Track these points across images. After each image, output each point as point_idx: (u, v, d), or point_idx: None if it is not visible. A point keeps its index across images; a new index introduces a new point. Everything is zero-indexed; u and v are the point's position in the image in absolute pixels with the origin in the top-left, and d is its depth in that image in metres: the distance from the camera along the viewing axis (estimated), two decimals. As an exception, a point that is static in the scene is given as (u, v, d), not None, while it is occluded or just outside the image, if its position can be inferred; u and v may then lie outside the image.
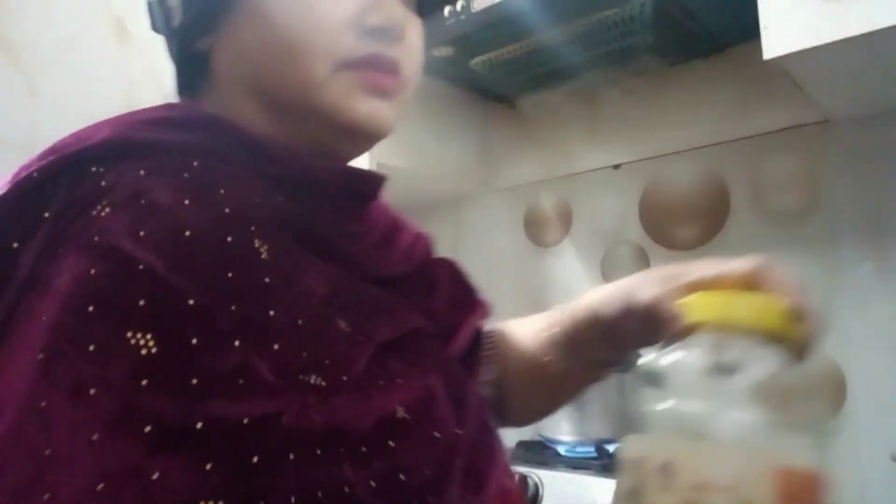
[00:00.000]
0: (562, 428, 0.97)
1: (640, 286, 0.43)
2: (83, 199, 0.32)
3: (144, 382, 0.29)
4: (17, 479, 0.28)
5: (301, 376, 0.32)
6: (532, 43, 1.05)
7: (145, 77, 1.25)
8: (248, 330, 0.32)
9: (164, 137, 0.36)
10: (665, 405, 0.33)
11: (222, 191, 0.35)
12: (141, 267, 0.30)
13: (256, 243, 0.34)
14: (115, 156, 0.34)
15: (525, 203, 1.39)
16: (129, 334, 0.29)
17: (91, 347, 0.29)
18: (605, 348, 0.49)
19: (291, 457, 0.31)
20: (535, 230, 1.37)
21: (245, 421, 0.30)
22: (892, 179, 0.95)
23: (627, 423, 0.39)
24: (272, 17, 0.39)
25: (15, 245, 0.32)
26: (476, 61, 1.13)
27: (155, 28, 0.45)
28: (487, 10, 0.94)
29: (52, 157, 0.33)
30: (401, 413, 0.34)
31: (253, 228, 0.34)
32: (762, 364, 0.35)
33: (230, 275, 0.32)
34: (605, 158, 1.27)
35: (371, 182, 0.45)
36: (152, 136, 0.36)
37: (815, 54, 0.70)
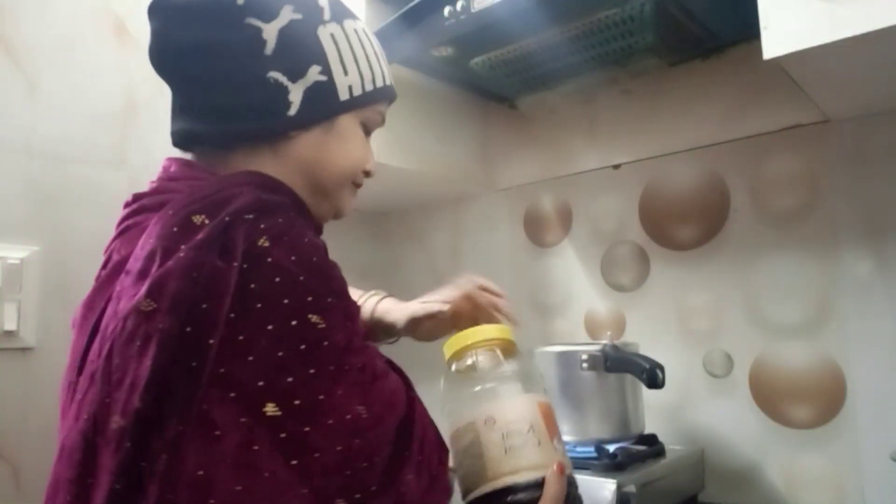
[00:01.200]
0: (561, 428, 0.97)
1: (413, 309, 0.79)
2: (249, 235, 0.46)
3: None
4: None
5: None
6: (532, 43, 1.05)
7: (145, 77, 1.25)
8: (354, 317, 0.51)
9: (275, 198, 0.52)
10: (476, 388, 0.60)
11: (310, 233, 0.51)
12: (301, 279, 0.47)
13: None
14: (257, 210, 0.49)
15: (525, 203, 1.39)
16: (311, 316, 0.46)
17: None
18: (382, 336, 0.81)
19: None
20: (535, 230, 1.37)
21: None
22: (892, 179, 0.95)
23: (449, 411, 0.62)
24: (339, 146, 0.62)
25: (219, 262, 0.45)
26: (476, 61, 1.13)
27: (257, 105, 0.58)
28: (487, 10, 0.93)
29: (223, 212, 0.47)
30: None
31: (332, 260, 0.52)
32: (515, 360, 0.63)
33: (339, 285, 0.50)
34: (604, 158, 1.27)
35: None
36: (270, 197, 0.51)
37: (815, 54, 0.70)
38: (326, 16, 0.60)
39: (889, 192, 0.95)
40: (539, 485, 0.55)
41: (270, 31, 0.57)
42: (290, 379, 0.44)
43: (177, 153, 0.64)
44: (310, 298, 0.46)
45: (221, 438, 0.42)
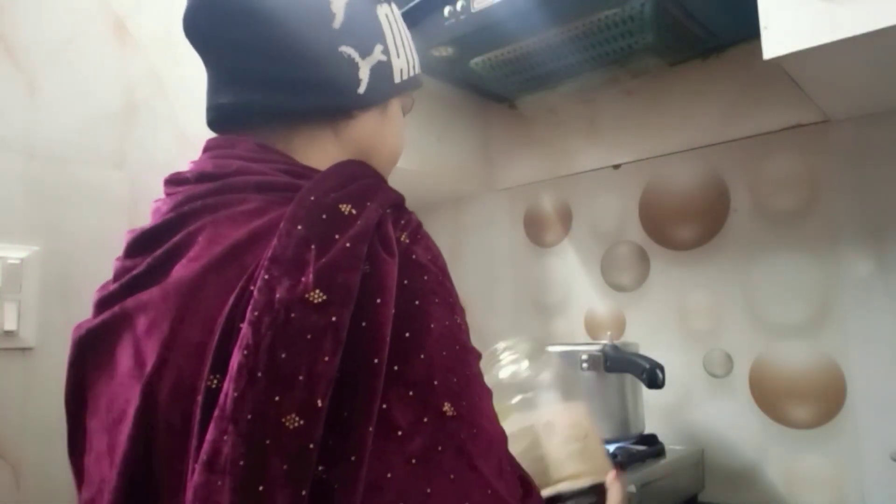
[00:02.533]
0: (562, 428, 0.97)
1: None
2: (394, 230, 0.47)
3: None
4: None
5: None
6: (532, 43, 1.05)
7: (145, 77, 1.25)
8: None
9: (398, 195, 0.53)
10: (529, 395, 0.68)
11: None
12: (440, 279, 0.47)
13: None
14: (393, 205, 0.50)
15: (525, 203, 1.39)
16: (457, 317, 0.47)
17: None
18: None
19: None
20: (535, 230, 1.37)
21: None
22: (892, 179, 0.95)
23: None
24: (391, 130, 0.62)
25: (385, 255, 0.45)
26: (476, 61, 1.13)
27: (329, 80, 0.55)
28: (487, 10, 0.94)
29: (369, 203, 0.47)
30: None
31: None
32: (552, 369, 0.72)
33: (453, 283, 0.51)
34: (604, 158, 1.27)
35: None
36: (395, 193, 0.53)
37: (815, 54, 0.70)
38: None
39: (889, 192, 0.95)
40: (600, 489, 0.60)
41: (338, 4, 0.54)
42: (455, 380, 0.43)
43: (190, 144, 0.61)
44: (451, 300, 0.47)
45: (404, 439, 0.40)
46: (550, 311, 1.32)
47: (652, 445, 0.99)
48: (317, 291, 0.40)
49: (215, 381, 0.40)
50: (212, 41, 0.57)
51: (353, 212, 0.45)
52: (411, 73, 0.62)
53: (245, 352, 0.39)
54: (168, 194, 0.55)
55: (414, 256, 0.46)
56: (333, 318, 0.40)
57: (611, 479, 0.61)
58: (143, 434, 0.43)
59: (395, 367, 0.41)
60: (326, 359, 0.39)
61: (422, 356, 0.42)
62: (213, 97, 0.59)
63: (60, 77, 1.14)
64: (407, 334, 0.42)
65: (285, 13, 0.53)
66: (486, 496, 0.42)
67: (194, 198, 0.51)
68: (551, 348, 1.01)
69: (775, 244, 1.05)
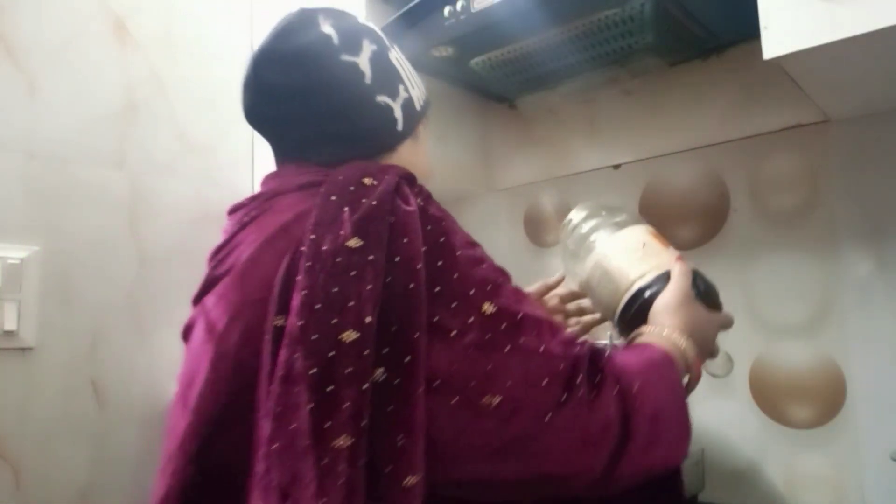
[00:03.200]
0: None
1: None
2: (410, 191, 0.58)
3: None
4: None
5: None
6: (532, 43, 1.05)
7: (145, 77, 1.25)
8: None
9: (411, 173, 0.63)
10: (587, 241, 0.80)
11: None
12: (455, 227, 0.59)
13: None
14: (407, 178, 0.61)
15: (525, 203, 1.39)
16: (473, 245, 0.61)
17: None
18: None
19: None
20: (535, 230, 1.37)
21: None
22: (892, 179, 0.95)
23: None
24: (422, 150, 0.75)
25: (405, 207, 0.56)
26: (476, 61, 1.13)
27: (374, 127, 0.68)
28: (487, 10, 0.94)
29: (387, 175, 0.59)
30: None
31: None
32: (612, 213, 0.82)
33: None
34: (604, 158, 1.27)
35: None
36: (410, 172, 0.63)
37: (815, 54, 0.70)
38: (387, 42, 0.71)
39: (889, 192, 0.95)
40: (666, 277, 0.72)
41: (364, 63, 0.66)
42: (488, 287, 0.54)
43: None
44: (468, 238, 0.59)
45: (458, 337, 0.51)
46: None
47: (652, 445, 0.99)
48: (354, 239, 0.52)
49: (281, 321, 0.51)
50: (273, 122, 0.68)
51: (375, 182, 0.57)
52: (423, 98, 0.74)
53: (304, 292, 0.50)
54: (229, 219, 0.67)
55: (430, 211, 0.57)
56: (370, 257, 0.51)
57: (674, 263, 0.73)
58: (215, 377, 0.53)
59: (437, 289, 0.52)
60: (369, 287, 0.50)
61: (455, 276, 0.53)
62: (280, 160, 0.70)
63: (60, 77, 1.14)
64: (440, 262, 0.53)
65: (328, 85, 0.64)
66: (539, 354, 0.53)
67: (249, 210, 0.63)
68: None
69: (775, 244, 1.05)
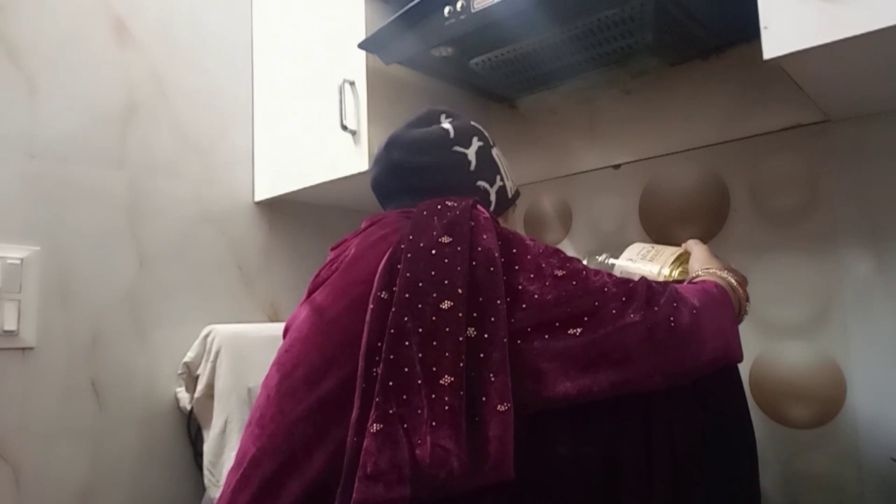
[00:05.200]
0: (562, 428, 0.97)
1: None
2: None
3: None
4: None
5: None
6: (532, 43, 1.05)
7: (145, 77, 1.25)
8: None
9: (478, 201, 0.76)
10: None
11: None
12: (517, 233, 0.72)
13: None
14: (480, 203, 0.75)
15: (525, 203, 1.39)
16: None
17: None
18: None
19: None
20: (535, 230, 1.37)
21: None
22: (892, 179, 0.95)
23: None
24: (513, 219, 0.94)
25: (472, 223, 0.70)
26: (476, 61, 1.13)
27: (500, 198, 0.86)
28: (487, 10, 0.93)
29: (462, 203, 0.72)
30: None
31: None
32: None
33: None
34: (604, 158, 1.27)
35: None
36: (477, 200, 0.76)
37: (815, 54, 0.70)
38: (491, 141, 0.87)
39: (889, 192, 0.95)
40: (683, 258, 0.89)
41: (471, 155, 0.83)
42: (553, 260, 0.67)
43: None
44: (528, 236, 0.73)
45: (540, 294, 0.64)
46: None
47: (652, 445, 0.99)
48: (445, 237, 0.66)
49: (384, 294, 0.64)
50: (396, 193, 0.83)
51: (455, 204, 0.71)
52: (514, 189, 0.89)
53: (408, 275, 0.64)
54: (333, 250, 0.82)
55: (496, 220, 0.72)
56: (458, 248, 0.65)
57: (686, 245, 0.89)
58: (322, 339, 0.67)
59: (516, 267, 0.66)
60: (459, 268, 0.64)
61: (528, 256, 0.67)
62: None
63: (60, 77, 1.14)
64: (514, 250, 0.67)
65: (441, 167, 0.81)
66: (607, 284, 0.65)
67: (353, 236, 0.79)
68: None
69: (775, 244, 1.05)
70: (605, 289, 0.65)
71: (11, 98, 1.08)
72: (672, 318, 0.64)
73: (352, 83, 1.17)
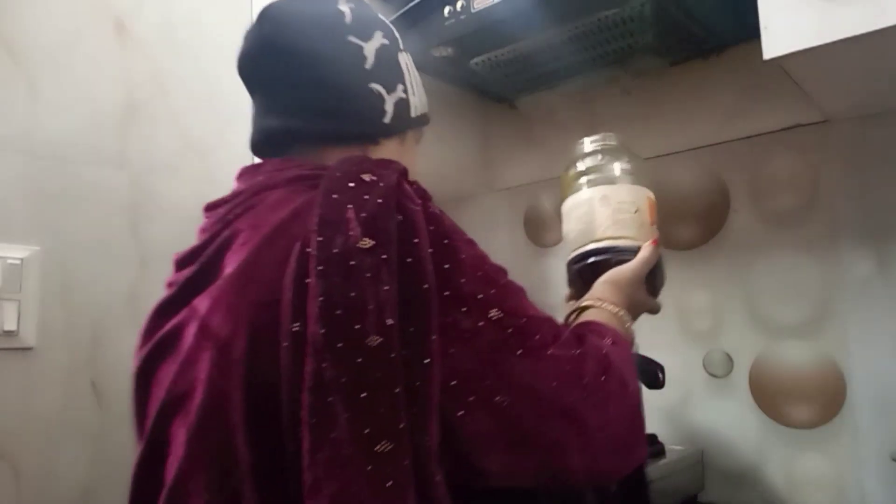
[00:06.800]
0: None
1: None
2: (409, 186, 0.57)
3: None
4: None
5: None
6: (532, 43, 1.05)
7: (145, 77, 1.25)
8: None
9: (405, 168, 0.60)
10: (594, 175, 0.78)
11: None
12: (456, 228, 0.58)
13: None
14: (403, 171, 0.58)
15: (525, 203, 1.39)
16: (475, 247, 0.60)
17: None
18: None
19: None
20: (535, 230, 1.37)
21: None
22: (892, 179, 0.95)
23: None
24: (407, 157, 0.70)
25: (410, 205, 0.54)
26: (476, 61, 1.13)
27: (360, 110, 0.66)
28: (487, 10, 0.94)
29: (387, 171, 0.57)
30: None
31: None
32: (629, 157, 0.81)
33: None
34: (605, 158, 1.27)
35: None
36: (404, 167, 0.60)
37: (815, 54, 0.70)
38: (401, 45, 0.72)
39: (889, 192, 0.95)
40: (635, 251, 0.76)
41: (369, 50, 0.67)
42: (493, 291, 0.55)
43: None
44: (468, 237, 0.59)
45: (471, 339, 0.51)
46: (550, 312, 1.31)
47: (652, 445, 0.99)
48: (365, 239, 0.50)
49: (297, 327, 0.49)
50: (263, 78, 0.68)
51: (374, 178, 0.55)
52: (423, 111, 0.74)
53: (321, 298, 0.48)
54: (208, 216, 0.66)
55: (430, 209, 0.56)
56: (384, 256, 0.50)
57: (647, 244, 0.77)
58: (225, 387, 0.50)
59: (447, 293, 0.52)
60: (386, 287, 0.49)
61: (463, 280, 0.53)
62: (260, 122, 0.68)
63: (60, 77, 1.14)
64: (447, 266, 0.53)
65: (329, 56, 0.65)
66: (546, 357, 0.54)
67: (233, 207, 0.61)
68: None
69: (775, 244, 1.05)
70: (547, 367, 0.55)
71: (11, 98, 1.08)
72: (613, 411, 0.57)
73: (352, 83, 1.17)
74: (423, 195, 0.57)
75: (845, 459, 0.95)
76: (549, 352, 0.55)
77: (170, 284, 0.63)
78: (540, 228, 1.37)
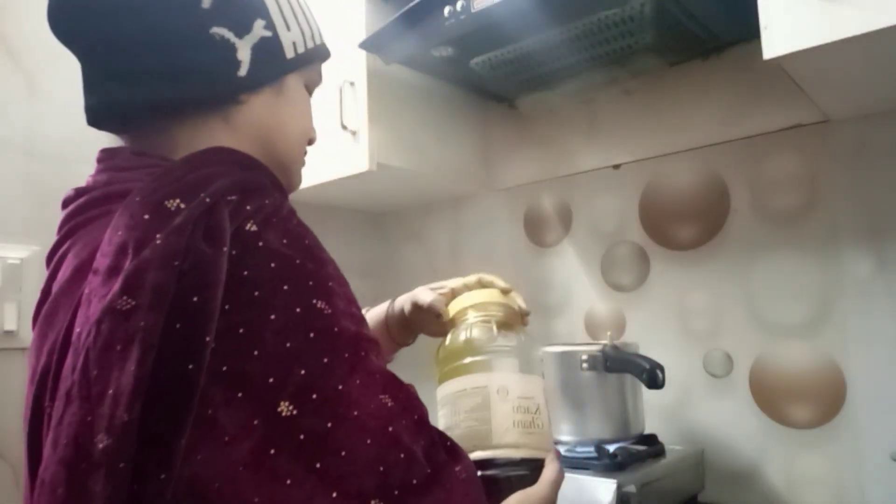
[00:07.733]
0: (561, 428, 0.97)
1: (419, 293, 0.72)
2: (234, 218, 0.43)
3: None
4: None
5: None
6: (532, 43, 1.05)
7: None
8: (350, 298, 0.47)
9: (257, 177, 0.49)
10: (480, 358, 0.61)
11: (296, 215, 0.48)
12: (298, 262, 0.43)
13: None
14: (240, 191, 0.45)
15: (525, 203, 1.39)
16: (315, 301, 0.43)
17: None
18: (403, 333, 0.78)
19: None
20: (535, 230, 1.37)
21: None
22: (892, 179, 0.95)
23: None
24: (291, 110, 0.58)
25: (205, 248, 0.40)
26: (476, 61, 1.13)
27: (203, 66, 0.52)
28: (487, 10, 0.93)
29: (201, 193, 0.42)
30: None
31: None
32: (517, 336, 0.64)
33: (335, 269, 0.47)
34: (604, 158, 1.27)
35: None
36: (252, 176, 0.48)
37: (815, 54, 0.70)
38: None
39: (889, 192, 0.95)
40: (538, 465, 0.57)
41: None
42: (302, 372, 0.39)
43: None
44: (311, 283, 0.43)
45: (232, 444, 0.37)
46: (550, 312, 1.32)
47: (652, 445, 0.99)
48: (124, 298, 0.37)
49: (49, 406, 0.41)
50: (78, 36, 0.52)
51: (182, 206, 0.41)
52: (309, 45, 0.58)
53: (65, 374, 0.39)
54: (63, 213, 0.55)
55: (261, 244, 0.42)
56: (142, 324, 0.37)
57: (550, 458, 0.57)
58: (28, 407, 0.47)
59: (224, 368, 0.38)
60: (132, 369, 0.36)
61: (255, 353, 0.39)
62: (86, 96, 0.54)
63: (60, 77, 1.14)
64: (241, 330, 0.39)
65: (145, 2, 0.50)
66: (331, 500, 0.38)
67: (70, 217, 0.52)
68: (551, 348, 1.01)
69: (775, 244, 1.05)
70: None
71: (11, 98, 1.08)
72: None
73: (352, 83, 1.17)
74: (265, 219, 0.44)
75: (845, 459, 0.95)
76: (329, 476, 0.38)
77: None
78: (540, 228, 1.37)
